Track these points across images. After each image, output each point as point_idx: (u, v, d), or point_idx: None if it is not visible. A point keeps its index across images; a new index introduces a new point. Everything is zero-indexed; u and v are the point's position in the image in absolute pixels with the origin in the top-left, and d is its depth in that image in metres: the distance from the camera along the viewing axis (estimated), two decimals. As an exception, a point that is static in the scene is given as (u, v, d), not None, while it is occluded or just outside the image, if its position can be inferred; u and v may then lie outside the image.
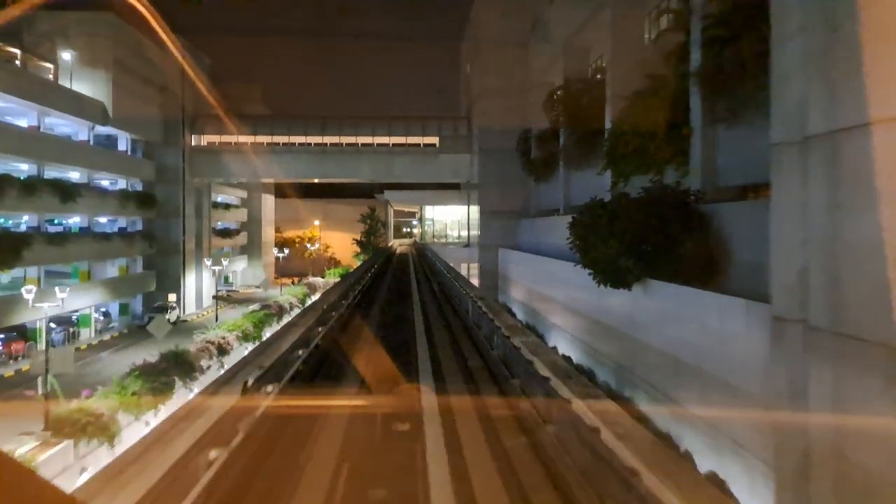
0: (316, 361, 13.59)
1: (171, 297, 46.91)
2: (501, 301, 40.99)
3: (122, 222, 45.05)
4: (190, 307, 51.34)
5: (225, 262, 62.10)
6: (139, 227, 46.93)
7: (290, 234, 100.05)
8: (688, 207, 15.55)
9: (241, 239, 75.57)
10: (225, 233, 67.76)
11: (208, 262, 55.94)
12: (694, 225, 15.02)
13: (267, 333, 35.39)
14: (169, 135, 48.11)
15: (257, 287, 55.71)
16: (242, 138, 51.00)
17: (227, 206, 68.03)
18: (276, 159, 50.42)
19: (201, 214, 53.77)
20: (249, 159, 50.86)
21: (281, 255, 69.23)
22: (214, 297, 62.02)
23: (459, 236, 61.93)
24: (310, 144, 51.42)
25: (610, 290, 17.06)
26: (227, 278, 75.80)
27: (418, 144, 51.95)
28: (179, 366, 24.87)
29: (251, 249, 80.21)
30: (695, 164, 17.34)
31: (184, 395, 22.11)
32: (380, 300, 26.52)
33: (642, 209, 15.09)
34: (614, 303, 17.74)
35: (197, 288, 52.99)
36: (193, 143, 51.00)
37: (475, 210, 49.61)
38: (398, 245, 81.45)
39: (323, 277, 74.41)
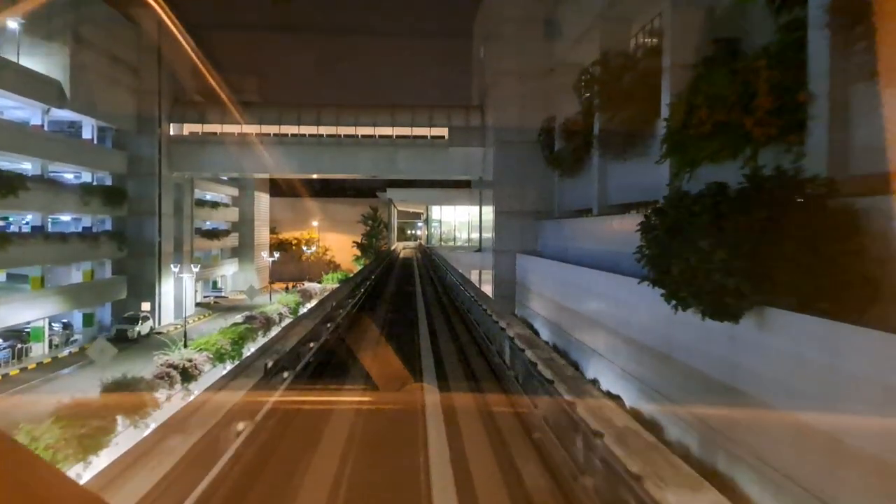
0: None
1: (145, 306, 42.28)
2: (520, 315, 36.25)
3: (87, 221, 40.44)
4: (167, 316, 46.68)
5: (196, 267, 57.64)
6: (108, 226, 42.32)
7: (286, 235, 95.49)
8: (823, 203, 10.76)
9: (231, 240, 70.99)
10: (212, 234, 63.15)
11: (192, 268, 51.33)
12: (843, 229, 10.21)
13: (252, 349, 30.80)
14: (143, 123, 43.52)
15: (244, 293, 50.83)
16: (227, 128, 46.36)
17: (214, 205, 63.41)
18: (266, 152, 45.77)
19: (182, 213, 49.11)
20: (235, 151, 46.22)
21: (272, 258, 64.50)
22: (198, 306, 57.65)
23: (469, 240, 57.13)
24: (304, 135, 46.76)
25: (689, 317, 12.27)
26: (215, 283, 71.26)
27: (425, 136, 47.24)
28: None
29: (243, 252, 75.62)
30: (816, 143, 12.54)
31: (132, 436, 17.24)
32: (378, 322, 21.65)
33: (767, 206, 10.30)
34: (699, 336, 12.96)
35: (176, 295, 48.30)
36: (172, 133, 46.40)
37: (488, 211, 44.84)
38: (402, 248, 76.77)
39: (320, 283, 69.79)
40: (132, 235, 43.30)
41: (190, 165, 46.99)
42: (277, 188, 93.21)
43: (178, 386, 24.81)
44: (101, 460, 15.72)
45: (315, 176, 51.04)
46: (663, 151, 19.04)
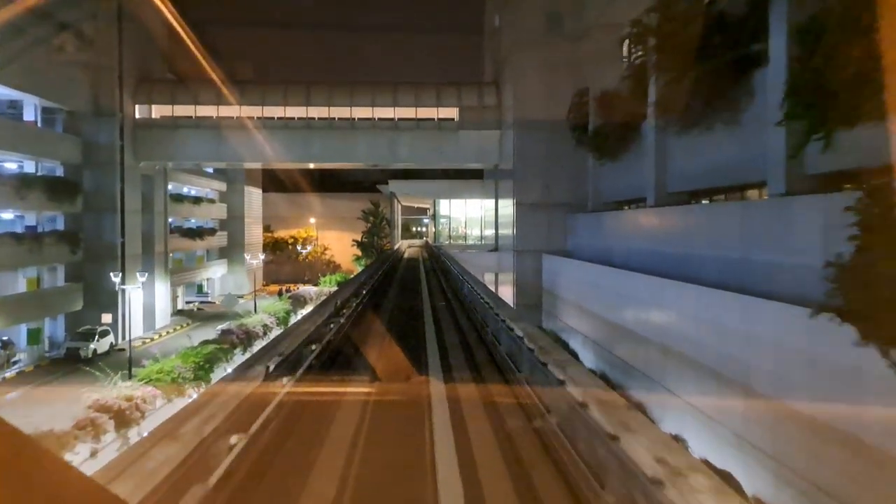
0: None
1: (106, 318, 36.56)
2: (549, 328, 30.44)
3: (32, 219, 34.82)
4: (136, 329, 40.92)
5: (170, 272, 52.20)
6: (60, 225, 36.64)
7: (282, 233, 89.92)
8: None
9: (219, 240, 65.30)
10: (195, 233, 57.47)
11: (167, 272, 45.53)
12: None
13: (228, 369, 25.26)
14: (102, 103, 37.79)
15: (233, 298, 44.93)
16: (203, 110, 40.62)
17: (196, 200, 57.71)
18: (247, 138, 40.05)
19: (153, 209, 43.40)
20: (212, 137, 40.48)
21: (265, 259, 58.78)
22: (178, 314, 51.78)
23: (482, 238, 51.25)
24: (292, 118, 40.98)
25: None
26: (200, 287, 65.63)
27: (431, 118, 41.38)
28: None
29: (232, 252, 69.90)
30: None
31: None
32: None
33: None
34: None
35: (147, 303, 42.66)
36: (139, 116, 40.69)
37: (507, 205, 39.00)
38: (406, 247, 70.89)
39: (316, 286, 64.09)
40: (90, 235, 37.57)
41: (160, 154, 41.28)
42: (271, 182, 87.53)
43: (109, 435, 19.05)
44: None
45: (305, 165, 45.28)
46: (785, 110, 13.20)
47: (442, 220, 57.13)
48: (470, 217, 55.25)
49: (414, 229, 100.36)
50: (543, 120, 34.58)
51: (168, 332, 43.98)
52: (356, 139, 41.18)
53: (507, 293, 36.86)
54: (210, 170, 66.02)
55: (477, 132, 41.05)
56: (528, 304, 34.28)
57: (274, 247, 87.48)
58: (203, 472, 4.71)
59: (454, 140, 41.26)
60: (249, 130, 40.29)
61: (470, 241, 54.34)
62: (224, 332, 34.04)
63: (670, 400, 15.60)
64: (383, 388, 9.36)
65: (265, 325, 38.50)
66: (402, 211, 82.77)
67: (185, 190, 59.21)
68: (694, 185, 20.83)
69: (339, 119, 41.11)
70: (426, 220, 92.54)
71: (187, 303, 61.20)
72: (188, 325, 48.02)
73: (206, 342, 30.36)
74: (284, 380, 8.01)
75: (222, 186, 67.22)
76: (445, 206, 56.15)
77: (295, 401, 7.63)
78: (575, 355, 24.24)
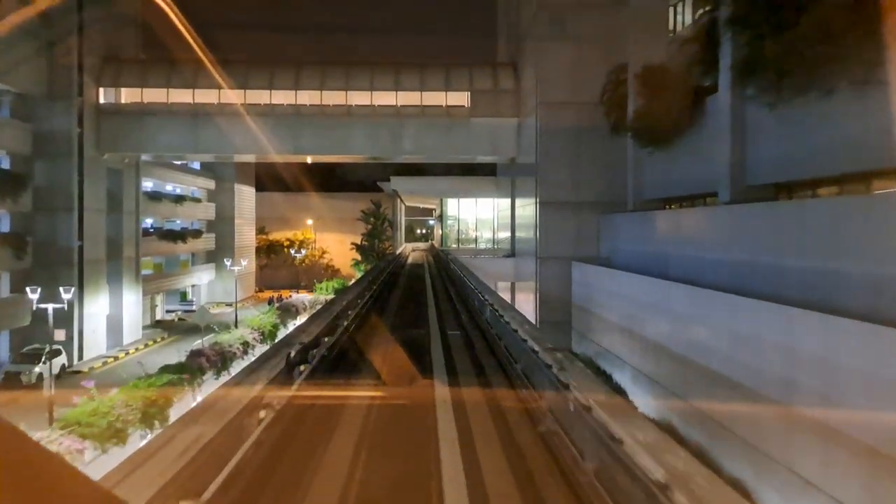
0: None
1: (59, 335, 31.61)
2: (582, 353, 25.45)
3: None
4: (97, 346, 36.10)
5: (140, 279, 47.77)
6: (4, 226, 31.77)
7: (277, 235, 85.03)
8: None
9: (205, 242, 60.45)
10: (177, 235, 52.59)
11: (138, 279, 40.52)
12: None
13: (194, 401, 20.68)
14: (58, 85, 32.97)
15: (206, 311, 39.72)
16: (178, 94, 35.77)
17: (179, 199, 52.82)
18: (228, 127, 35.22)
19: (122, 208, 38.54)
20: (187, 126, 35.66)
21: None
22: (156, 325, 46.53)
23: (496, 242, 46.21)
24: (279, 105, 36.08)
25: None
26: (184, 295, 60.75)
27: (439, 105, 36.40)
28: None
29: (221, 256, 65.00)
30: None
31: None
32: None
33: None
34: None
35: (113, 315, 37.84)
36: (104, 101, 35.84)
37: (526, 204, 34.07)
38: (410, 250, 65.85)
39: (312, 292, 59.24)
40: (42, 238, 32.71)
41: (128, 144, 36.43)
42: (266, 180, 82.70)
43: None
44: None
45: (295, 159, 40.31)
46: None
47: (450, 222, 52.13)
48: (481, 218, 50.26)
49: (419, 231, 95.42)
50: (572, 103, 29.62)
51: (139, 349, 39.08)
52: (353, 129, 36.25)
53: (527, 308, 31.86)
54: (196, 165, 61.30)
55: (491, 120, 36.08)
56: (554, 320, 29.25)
57: (268, 250, 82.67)
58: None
59: (465, 130, 36.31)
60: (230, 118, 35.44)
61: (481, 245, 49.33)
62: (193, 354, 29.07)
63: (797, 487, 10.55)
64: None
65: (245, 343, 33.59)
66: (406, 212, 77.78)
67: (167, 187, 54.42)
68: (792, 173, 15.80)
69: (333, 105, 36.19)
70: (432, 222, 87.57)
71: (169, 312, 56.41)
72: (163, 339, 43.08)
73: (166, 368, 25.43)
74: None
75: (210, 184, 62.42)
76: (453, 206, 51.15)
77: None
78: (622, 392, 19.27)
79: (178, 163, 57.84)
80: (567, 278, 29.02)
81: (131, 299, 39.78)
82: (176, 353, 32.90)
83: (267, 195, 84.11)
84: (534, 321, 30.06)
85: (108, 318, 37.54)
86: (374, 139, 36.39)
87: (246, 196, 70.10)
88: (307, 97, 36.13)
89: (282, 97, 35.98)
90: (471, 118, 36.15)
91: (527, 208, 33.40)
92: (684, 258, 19.27)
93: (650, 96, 24.12)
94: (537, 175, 30.19)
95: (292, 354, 8.80)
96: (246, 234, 70.57)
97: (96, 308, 35.49)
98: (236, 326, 39.35)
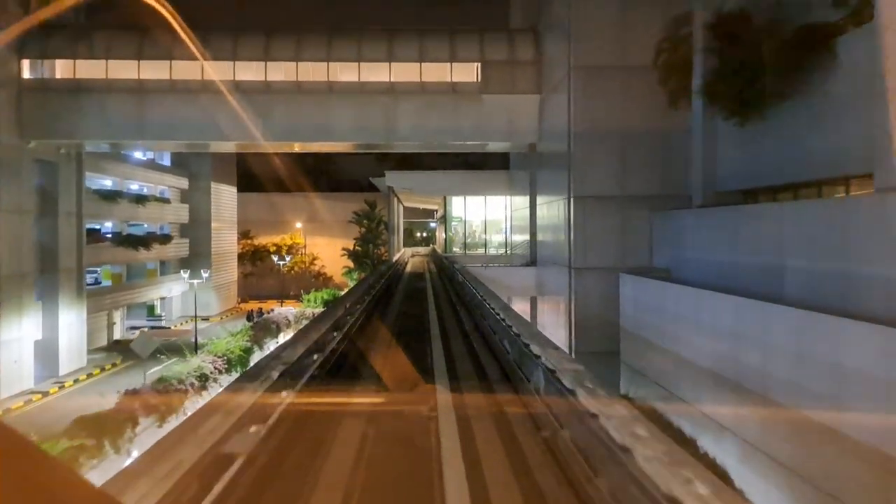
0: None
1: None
2: (637, 395, 19.18)
3: None
4: (21, 380, 29.69)
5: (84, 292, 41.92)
6: None
7: (263, 240, 78.72)
8: None
9: (176, 249, 54.08)
10: (138, 241, 46.17)
11: (81, 294, 33.78)
12: None
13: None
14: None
15: (147, 339, 32.53)
16: (119, 68, 29.45)
17: (140, 199, 46.39)
18: (181, 108, 28.96)
19: (59, 210, 32.17)
20: (132, 106, 29.34)
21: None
22: (113, 347, 39.27)
23: (509, 246, 39.79)
24: (248, 80, 29.71)
25: None
26: (151, 309, 54.36)
27: (443, 81, 30.05)
28: None
29: (198, 264, 58.56)
30: None
31: None
32: None
33: None
34: None
35: (48, 340, 31.49)
36: (29, 76, 29.48)
37: (548, 201, 27.78)
38: (410, 256, 59.35)
39: (300, 303, 52.92)
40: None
41: (60, 129, 30.00)
42: (251, 180, 76.39)
43: None
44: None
45: (262, 147, 33.67)
46: None
47: (454, 223, 45.68)
48: (490, 220, 43.83)
49: (419, 235, 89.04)
50: (617, 68, 23.29)
51: (80, 380, 32.59)
52: (336, 110, 29.88)
53: (555, 332, 25.46)
54: (166, 161, 55.02)
55: (507, 98, 29.72)
56: (594, 350, 22.84)
57: (252, 256, 76.28)
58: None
59: (475, 111, 29.92)
60: (184, 97, 29.13)
61: (491, 250, 42.90)
62: (127, 394, 22.64)
63: None
64: None
65: (203, 376, 27.28)
66: (405, 213, 71.30)
67: (133, 186, 48.09)
68: None
69: (311, 81, 29.83)
70: (433, 224, 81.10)
71: (134, 329, 50.00)
72: (115, 365, 36.57)
73: (81, 421, 19.01)
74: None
75: (182, 183, 56.03)
76: (459, 206, 44.71)
77: None
78: (724, 477, 13.04)
79: (145, 157, 51.58)
80: (611, 294, 22.58)
81: (71, 319, 33.32)
82: (128, 383, 26.67)
83: (252, 196, 77.74)
84: (566, 348, 23.67)
85: (39, 344, 31.14)
86: (362, 123, 30.01)
87: (225, 196, 63.68)
88: (280, 71, 29.77)
89: (248, 71, 29.60)
90: (482, 95, 29.79)
91: (553, 206, 26.98)
92: (821, 274, 12.83)
93: (727, 52, 17.85)
94: (570, 163, 23.74)
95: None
96: (226, 239, 64.14)
97: (18, 332, 29.07)
98: (196, 352, 32.96)
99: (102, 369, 35.09)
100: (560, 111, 25.50)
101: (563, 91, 24.81)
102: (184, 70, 29.12)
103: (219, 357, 29.82)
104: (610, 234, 23.20)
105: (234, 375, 29.25)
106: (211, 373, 28.04)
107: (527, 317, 30.61)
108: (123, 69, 29.37)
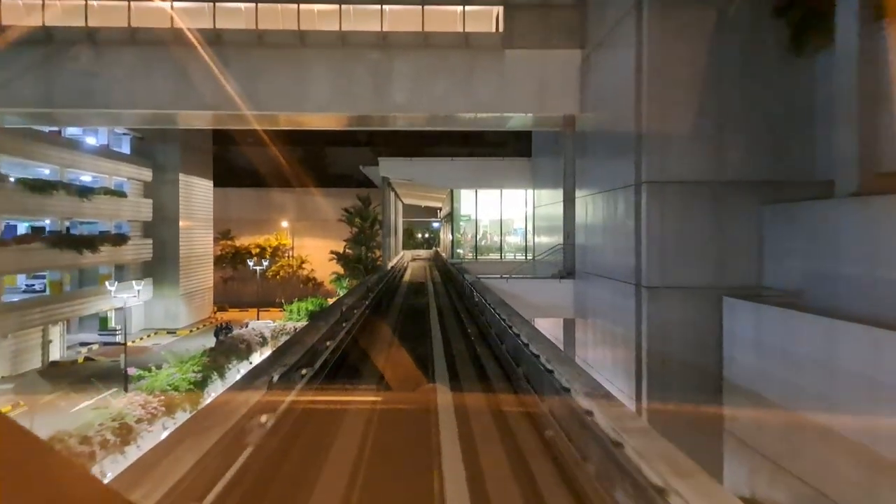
0: None
1: None
2: (762, 495, 11.99)
3: None
4: None
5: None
6: None
7: (246, 241, 71.76)
8: None
9: (135, 251, 47.02)
10: (82, 242, 39.06)
11: None
12: None
13: None
14: None
15: (33, 378, 24.58)
16: (19, 12, 22.39)
17: (84, 192, 39.26)
18: (102, 67, 21.94)
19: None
20: (38, 64, 22.26)
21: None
22: (49, 369, 31.43)
23: (531, 251, 32.62)
24: (190, 29, 22.54)
25: None
26: (104, 322, 47.27)
27: (452, 31, 22.95)
28: None
29: (164, 268, 51.58)
30: None
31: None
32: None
33: None
34: None
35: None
36: None
37: (589, 193, 20.65)
38: (410, 260, 52.30)
39: (282, 314, 45.87)
40: None
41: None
42: (230, 173, 69.40)
43: None
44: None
45: (207, 120, 26.42)
46: None
47: (462, 222, 38.48)
48: (507, 218, 36.69)
49: (420, 235, 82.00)
50: (704, 5, 16.12)
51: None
52: (309, 69, 22.79)
53: (613, 376, 18.32)
54: (125, 148, 47.99)
55: (538, 54, 22.60)
56: (677, 411, 15.60)
57: (234, 259, 69.22)
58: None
59: (494, 71, 22.79)
60: (106, 50, 22.10)
61: (508, 255, 35.81)
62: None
63: None
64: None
65: (125, 427, 20.38)
66: (405, 211, 64.06)
67: (80, 176, 41.10)
68: None
69: (275, 30, 22.73)
70: (437, 224, 73.93)
71: (84, 345, 42.98)
72: (18, 405, 29.26)
73: None
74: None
75: (144, 174, 48.95)
76: (468, 201, 37.55)
77: None
78: None
79: (99, 144, 44.58)
80: (704, 327, 15.46)
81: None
82: (44, 426, 19.79)
83: (234, 191, 70.93)
84: (629, 400, 16.59)
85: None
86: (344, 86, 22.87)
87: (199, 191, 56.54)
88: (232, 16, 22.69)
89: (191, 17, 22.48)
90: (504, 50, 22.65)
91: (605, 200, 19.79)
92: None
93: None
94: (640, 137, 16.54)
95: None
96: (199, 240, 57.01)
97: None
98: (126, 389, 25.89)
99: (15, 406, 27.86)
100: (618, 67, 18.35)
101: (624, 38, 17.66)
102: (104, 15, 22.06)
103: (156, 395, 22.89)
104: (699, 236, 16.02)
105: (179, 419, 22.58)
106: (139, 420, 21.08)
107: (560, 344, 23.50)
108: (26, 15, 22.29)
